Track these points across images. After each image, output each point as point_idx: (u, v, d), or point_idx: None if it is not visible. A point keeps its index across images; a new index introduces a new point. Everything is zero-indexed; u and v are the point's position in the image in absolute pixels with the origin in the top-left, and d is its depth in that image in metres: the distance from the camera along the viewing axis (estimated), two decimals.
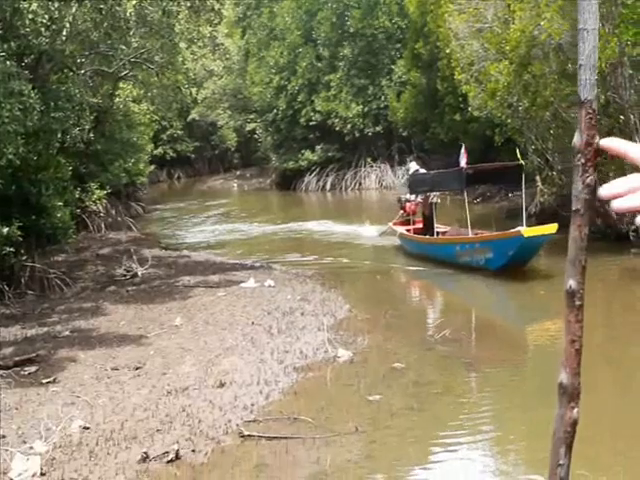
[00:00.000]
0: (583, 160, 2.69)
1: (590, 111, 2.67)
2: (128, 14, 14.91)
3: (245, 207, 43.74)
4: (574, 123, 21.58)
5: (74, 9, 15.77)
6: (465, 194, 22.22)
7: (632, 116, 19.91)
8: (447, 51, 29.65)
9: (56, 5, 15.18)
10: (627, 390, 12.16)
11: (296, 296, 18.12)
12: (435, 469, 9.76)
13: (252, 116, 56.29)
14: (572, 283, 2.81)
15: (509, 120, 24.88)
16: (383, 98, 44.61)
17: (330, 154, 46.67)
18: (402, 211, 25.93)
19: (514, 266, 18.58)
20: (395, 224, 25.96)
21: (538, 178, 25.78)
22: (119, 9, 14.71)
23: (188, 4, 18.50)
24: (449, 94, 35.33)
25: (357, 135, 45.14)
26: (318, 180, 47.72)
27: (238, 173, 65.64)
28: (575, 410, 2.94)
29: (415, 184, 24.36)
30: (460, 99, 30.94)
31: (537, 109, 22.84)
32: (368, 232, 29.05)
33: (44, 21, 14.53)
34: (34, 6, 14.00)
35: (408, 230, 24.37)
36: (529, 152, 25.96)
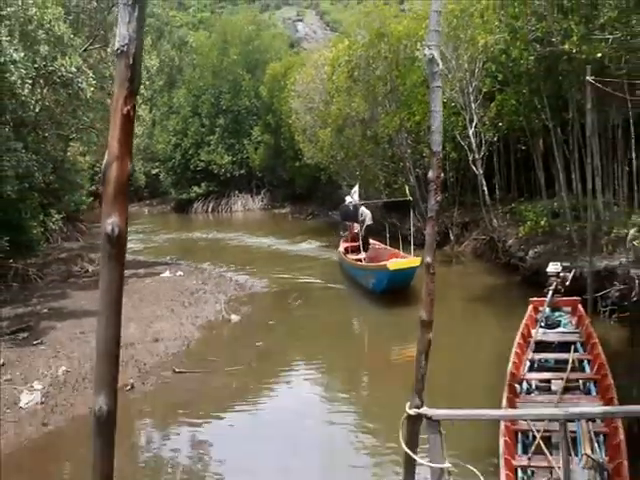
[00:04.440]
0: (434, 187, 3.02)
1: (438, 158, 3.00)
2: (88, 96, 14.42)
3: (155, 225, 42.57)
4: (372, 168, 22.30)
5: (45, 90, 15.20)
6: (361, 226, 18.07)
7: (407, 163, 20.74)
8: (289, 121, 30.02)
9: (38, 90, 14.71)
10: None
11: (199, 281, 17.95)
12: (306, 385, 10.01)
13: (157, 164, 54.77)
14: (428, 259, 3.14)
15: (330, 166, 25.46)
16: (245, 152, 44.54)
17: (211, 188, 46.12)
18: (345, 231, 20.59)
19: (396, 290, 14.18)
20: (344, 241, 20.06)
21: None
22: (81, 93, 14.23)
23: None
24: (289, 149, 35.56)
25: (228, 176, 44.84)
26: (203, 205, 47.09)
27: (147, 202, 63.78)
28: (430, 334, 3.28)
29: (342, 213, 19.25)
30: (297, 152, 31.21)
31: (349, 159, 23.52)
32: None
33: (26, 100, 13.90)
34: (26, 92, 13.40)
35: (346, 248, 19.19)
36: (343, 186, 26.57)
